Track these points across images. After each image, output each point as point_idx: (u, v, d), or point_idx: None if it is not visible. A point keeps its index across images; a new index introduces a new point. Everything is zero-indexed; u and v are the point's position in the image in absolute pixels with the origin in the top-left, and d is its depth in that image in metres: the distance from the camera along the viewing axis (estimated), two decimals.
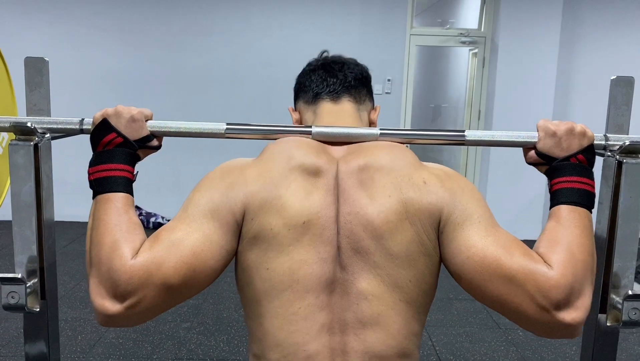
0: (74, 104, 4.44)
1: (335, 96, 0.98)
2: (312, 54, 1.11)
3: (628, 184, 0.82)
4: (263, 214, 0.81)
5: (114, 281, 0.74)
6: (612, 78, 0.86)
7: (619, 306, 0.85)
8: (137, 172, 0.86)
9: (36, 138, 0.80)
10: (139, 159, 0.89)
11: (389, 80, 4.92)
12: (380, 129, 0.89)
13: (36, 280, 0.83)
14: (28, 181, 0.79)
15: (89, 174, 0.82)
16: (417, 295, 0.84)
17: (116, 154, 0.83)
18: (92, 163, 0.83)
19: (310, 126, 0.89)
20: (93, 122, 0.85)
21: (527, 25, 4.71)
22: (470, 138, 0.92)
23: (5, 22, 4.74)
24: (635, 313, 0.83)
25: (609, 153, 0.86)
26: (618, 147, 0.85)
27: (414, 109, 6.33)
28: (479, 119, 5.18)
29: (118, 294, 0.75)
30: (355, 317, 0.83)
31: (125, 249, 0.76)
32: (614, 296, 0.87)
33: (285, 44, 4.78)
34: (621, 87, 0.85)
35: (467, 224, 0.81)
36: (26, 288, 0.81)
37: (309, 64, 1.05)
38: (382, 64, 4.86)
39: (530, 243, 0.85)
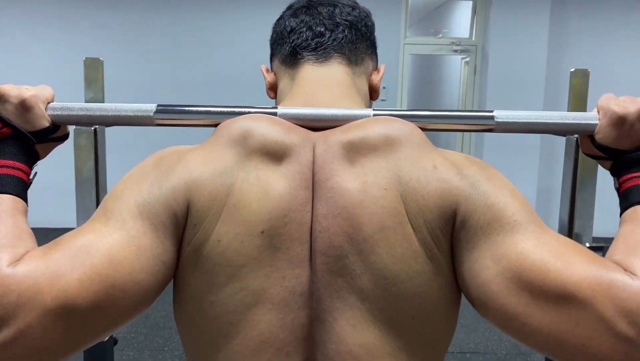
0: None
1: (321, 54, 0.70)
2: None
3: (584, 157, 0.98)
4: (210, 217, 0.57)
5: None
6: (571, 70, 1.03)
7: None
8: (36, 173, 0.66)
9: (96, 125, 0.96)
10: (37, 157, 0.67)
11: (384, 87, 5.11)
12: (374, 110, 0.67)
13: None
14: (89, 160, 0.96)
15: None
16: (425, 337, 0.60)
17: (3, 147, 0.62)
18: None
19: (276, 107, 0.67)
20: None
21: (516, 33, 4.91)
22: (502, 121, 0.70)
23: (13, 35, 4.91)
24: None
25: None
26: None
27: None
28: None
29: None
30: None
31: (1, 255, 0.51)
32: None
33: None
34: (578, 77, 1.02)
35: (495, 227, 0.55)
36: None
37: (290, 6, 0.77)
38: None
39: None
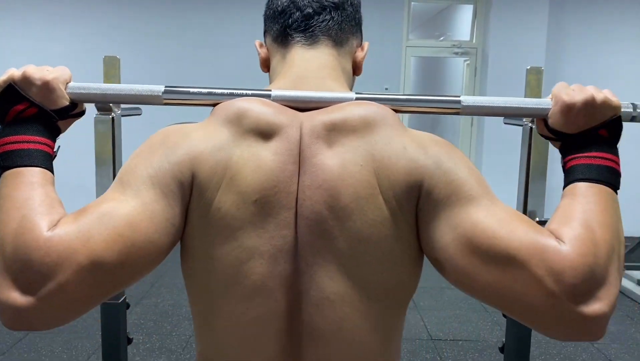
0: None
1: (309, 36, 0.78)
2: None
3: (536, 143, 1.13)
4: (211, 188, 0.66)
5: (23, 261, 0.57)
6: (527, 68, 1.17)
7: None
8: (59, 147, 0.73)
9: (113, 113, 1.12)
10: (59, 132, 0.72)
11: (386, 89, 5.27)
12: (357, 93, 0.74)
13: None
14: (107, 144, 1.12)
15: None
16: (390, 291, 0.70)
17: (30, 125, 0.67)
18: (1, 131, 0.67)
19: (270, 90, 0.73)
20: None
21: (515, 36, 5.05)
22: (467, 104, 0.77)
23: (31, 35, 5.12)
24: None
25: (526, 122, 1.16)
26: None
27: (413, 119, 6.65)
28: (471, 125, 5.50)
29: (30, 280, 0.56)
30: (314, 322, 0.68)
31: (40, 222, 0.59)
32: None
33: None
34: (533, 74, 1.16)
35: (453, 200, 0.64)
36: None
37: None
38: (380, 74, 5.24)
39: None
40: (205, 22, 5.20)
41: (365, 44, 0.85)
